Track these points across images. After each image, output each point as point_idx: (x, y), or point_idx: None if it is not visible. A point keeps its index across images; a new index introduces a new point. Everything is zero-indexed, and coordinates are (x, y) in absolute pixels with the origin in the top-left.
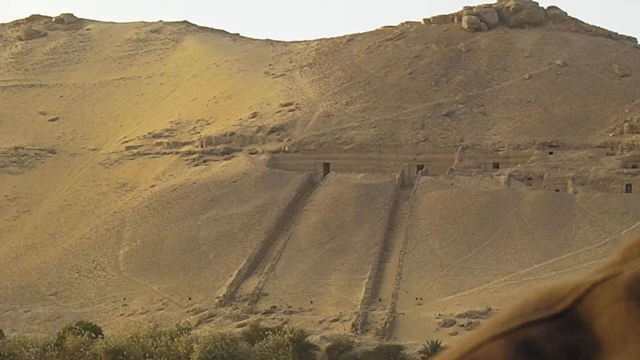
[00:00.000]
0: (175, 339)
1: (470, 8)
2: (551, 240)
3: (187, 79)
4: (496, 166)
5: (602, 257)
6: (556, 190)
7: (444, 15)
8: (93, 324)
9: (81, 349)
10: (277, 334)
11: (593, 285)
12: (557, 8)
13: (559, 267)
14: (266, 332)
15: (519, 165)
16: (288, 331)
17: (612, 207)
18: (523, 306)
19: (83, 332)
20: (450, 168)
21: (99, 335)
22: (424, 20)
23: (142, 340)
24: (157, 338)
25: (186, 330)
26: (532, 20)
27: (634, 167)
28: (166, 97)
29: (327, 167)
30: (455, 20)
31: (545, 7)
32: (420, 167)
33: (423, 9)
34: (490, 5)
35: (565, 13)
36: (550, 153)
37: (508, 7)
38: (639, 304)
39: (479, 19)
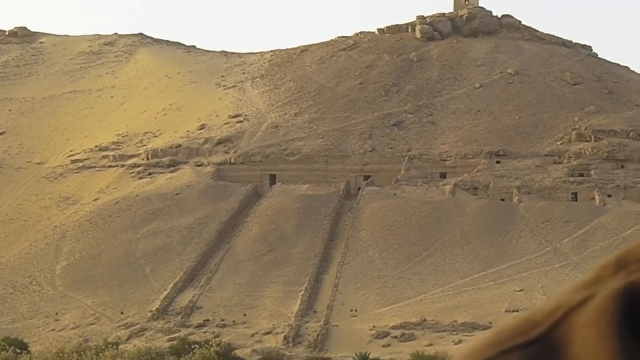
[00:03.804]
0: (100, 354)
1: (424, 17)
2: (492, 250)
3: (138, 91)
4: (443, 176)
5: (542, 267)
6: (501, 199)
7: (398, 25)
8: (19, 340)
9: None
10: (203, 348)
11: (570, 309)
12: (511, 16)
13: (498, 276)
14: (193, 346)
15: (466, 174)
16: (214, 344)
17: (555, 216)
18: (499, 333)
19: (8, 347)
20: (396, 178)
21: (24, 351)
22: (378, 30)
23: (67, 355)
24: (82, 353)
25: (114, 345)
26: (485, 29)
27: (581, 175)
28: (115, 109)
29: (273, 179)
30: (409, 29)
31: (499, 16)
32: (366, 178)
33: (378, 19)
34: (444, 14)
35: (520, 21)
36: (498, 162)
37: (461, 16)
38: (609, 325)
39: (432, 28)
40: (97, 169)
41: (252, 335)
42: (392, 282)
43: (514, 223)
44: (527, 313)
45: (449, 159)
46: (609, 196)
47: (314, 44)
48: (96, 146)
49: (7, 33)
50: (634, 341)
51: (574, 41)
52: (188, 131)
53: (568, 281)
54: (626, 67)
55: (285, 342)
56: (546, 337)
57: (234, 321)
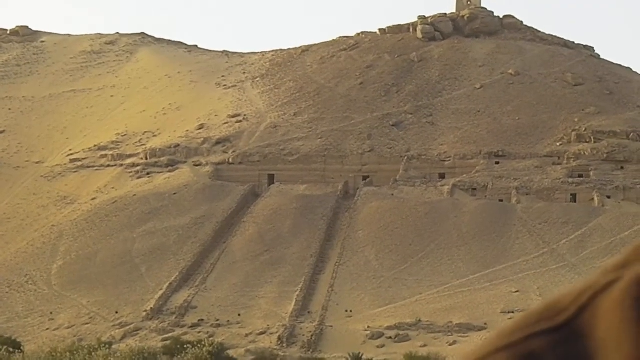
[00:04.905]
0: (93, 354)
1: (425, 18)
2: (488, 251)
3: (138, 90)
4: (442, 176)
5: (538, 268)
6: (500, 200)
7: (399, 25)
8: (13, 339)
9: None
10: (196, 348)
11: (595, 293)
12: (513, 17)
13: (494, 277)
14: (186, 346)
15: (464, 175)
16: (207, 344)
17: (553, 217)
18: (527, 317)
19: (1, 347)
20: (394, 179)
21: (18, 351)
22: (380, 30)
23: (59, 355)
24: (75, 353)
25: (107, 345)
26: (487, 29)
27: (580, 176)
28: (115, 109)
29: (271, 179)
30: (411, 30)
31: (501, 16)
32: (365, 178)
33: (380, 19)
34: (445, 14)
35: (522, 22)
36: (497, 163)
37: (463, 17)
38: (632, 309)
39: (433, 29)
40: (95, 168)
41: (247, 335)
42: (388, 283)
43: (511, 224)
44: (555, 297)
45: (448, 159)
46: (608, 197)
47: (315, 44)
48: (95, 145)
49: (8, 32)
50: None
51: (576, 42)
52: (187, 131)
53: (564, 282)
54: (628, 68)
55: (279, 343)
56: (572, 322)
57: (228, 321)
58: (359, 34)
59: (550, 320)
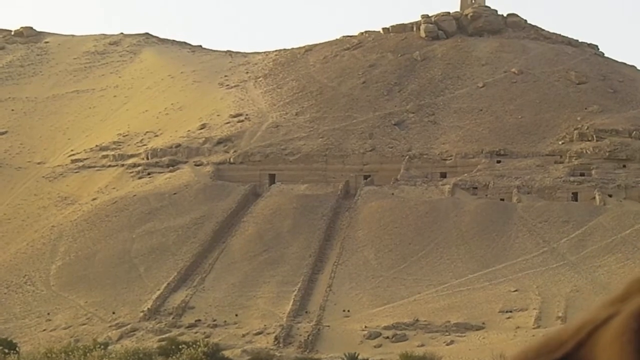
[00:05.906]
0: (88, 354)
1: (429, 16)
2: (488, 250)
3: (141, 91)
4: (444, 175)
5: (538, 267)
6: (501, 199)
7: (403, 24)
8: (8, 340)
9: None
10: (191, 348)
11: (595, 327)
12: (516, 15)
13: (494, 277)
14: (181, 346)
15: (465, 174)
16: (202, 345)
17: (553, 216)
18: (526, 352)
19: None
20: (395, 178)
21: (13, 351)
22: (383, 29)
23: (55, 356)
24: (70, 353)
25: (103, 346)
26: (490, 28)
27: (582, 175)
28: (118, 109)
29: (272, 178)
30: (414, 29)
31: (505, 15)
32: (366, 177)
33: (384, 18)
34: (449, 13)
35: (525, 20)
36: (498, 162)
37: (466, 15)
38: (631, 342)
39: (436, 28)
40: (96, 168)
41: (243, 335)
42: (387, 282)
43: (511, 223)
44: (555, 331)
45: (450, 158)
46: (610, 196)
47: (319, 44)
48: (97, 146)
49: (12, 33)
50: None
51: (580, 40)
52: (189, 131)
53: (564, 281)
54: (633, 66)
55: (276, 343)
56: (571, 356)
57: (225, 321)
58: (362, 33)
59: (550, 354)
